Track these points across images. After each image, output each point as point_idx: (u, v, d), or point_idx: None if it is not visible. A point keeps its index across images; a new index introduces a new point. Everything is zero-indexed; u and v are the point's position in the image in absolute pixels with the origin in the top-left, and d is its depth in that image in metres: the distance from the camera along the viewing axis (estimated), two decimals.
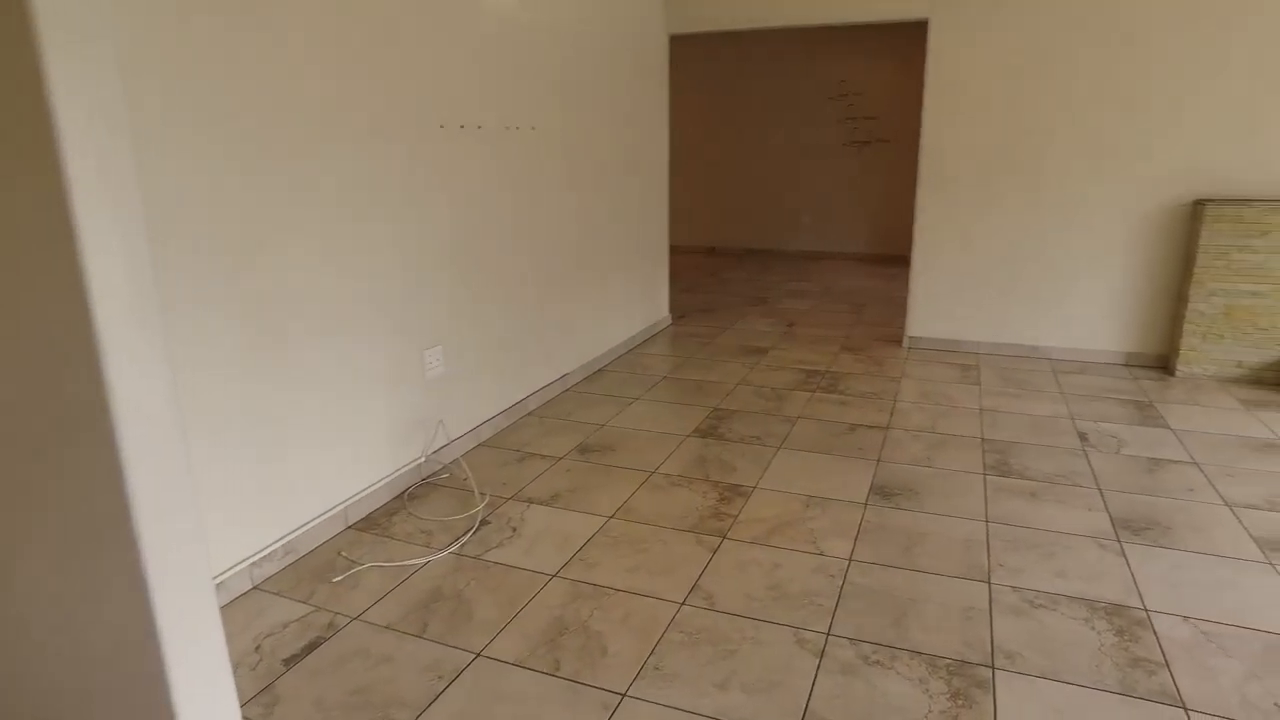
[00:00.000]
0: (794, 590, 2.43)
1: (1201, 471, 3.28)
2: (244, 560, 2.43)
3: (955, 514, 2.92)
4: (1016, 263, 4.88)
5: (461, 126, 3.25)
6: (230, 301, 2.28)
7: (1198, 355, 4.52)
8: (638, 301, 5.28)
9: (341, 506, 2.80)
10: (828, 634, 2.21)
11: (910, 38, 8.01)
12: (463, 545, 2.72)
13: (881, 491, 3.10)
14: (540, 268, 3.99)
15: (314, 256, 2.57)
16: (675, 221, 5.92)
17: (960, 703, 1.94)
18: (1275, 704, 1.98)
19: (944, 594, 2.41)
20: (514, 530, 2.82)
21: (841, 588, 2.44)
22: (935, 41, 4.73)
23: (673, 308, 6.12)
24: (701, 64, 8.97)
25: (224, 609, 2.33)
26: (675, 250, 6.02)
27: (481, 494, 3.09)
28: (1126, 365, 4.79)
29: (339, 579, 2.51)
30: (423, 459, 3.21)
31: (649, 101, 5.12)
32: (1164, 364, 4.72)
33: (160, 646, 1.37)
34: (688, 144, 8.81)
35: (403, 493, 3.11)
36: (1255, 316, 4.38)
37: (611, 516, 2.92)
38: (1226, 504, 3.00)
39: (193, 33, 2.10)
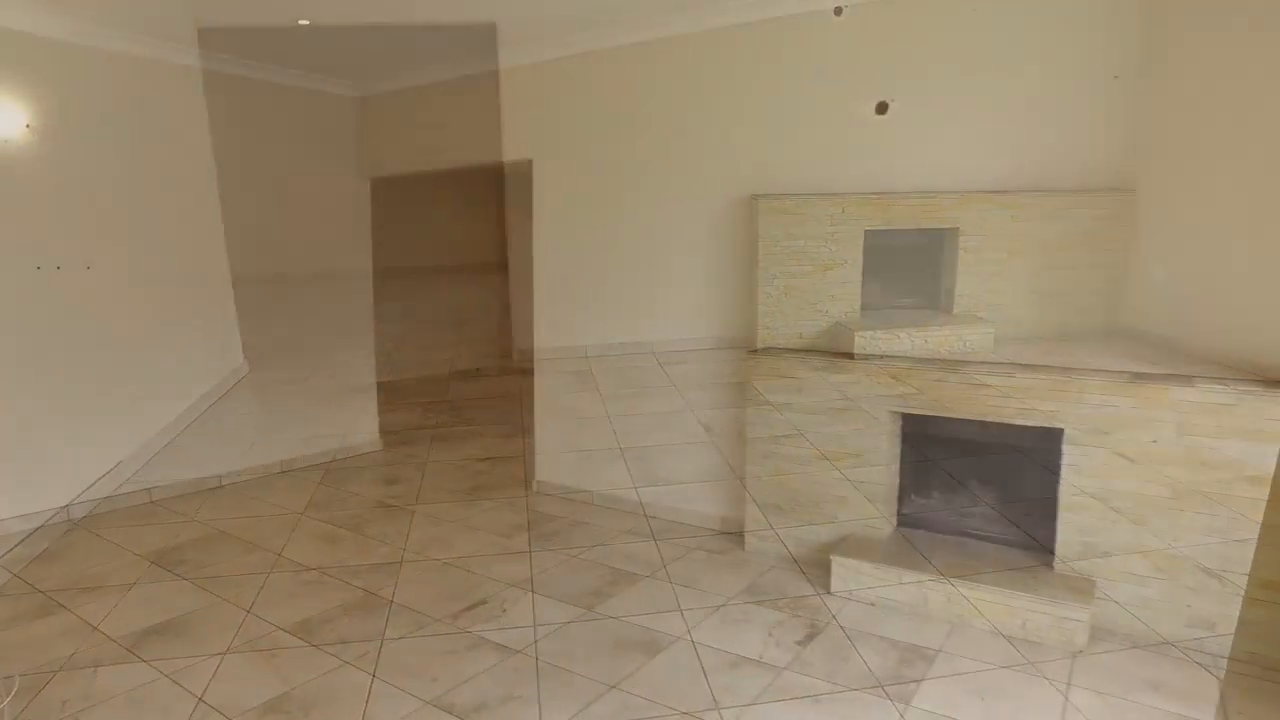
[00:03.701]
0: None
1: (809, 441, 3.60)
2: None
3: None
4: (611, 265, 4.98)
5: None
6: None
7: (771, 333, 5.05)
8: (200, 354, 4.31)
9: None
10: None
11: None
12: None
13: None
14: (48, 344, 2.97)
15: None
16: (238, 249, 4.99)
17: None
18: None
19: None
20: None
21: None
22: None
23: (248, 350, 5.18)
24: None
25: None
26: (241, 282, 5.07)
27: (6, 678, 2.15)
28: (718, 349, 5.18)
29: None
30: None
31: (177, 107, 4.16)
32: (747, 343, 5.20)
33: None
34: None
35: None
36: (804, 293, 5.02)
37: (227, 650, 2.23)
38: (827, 458, 3.31)
39: None
